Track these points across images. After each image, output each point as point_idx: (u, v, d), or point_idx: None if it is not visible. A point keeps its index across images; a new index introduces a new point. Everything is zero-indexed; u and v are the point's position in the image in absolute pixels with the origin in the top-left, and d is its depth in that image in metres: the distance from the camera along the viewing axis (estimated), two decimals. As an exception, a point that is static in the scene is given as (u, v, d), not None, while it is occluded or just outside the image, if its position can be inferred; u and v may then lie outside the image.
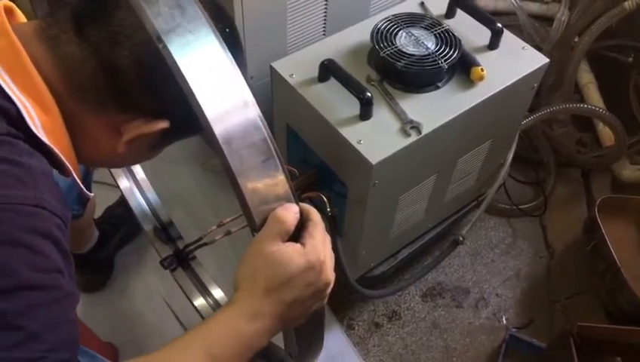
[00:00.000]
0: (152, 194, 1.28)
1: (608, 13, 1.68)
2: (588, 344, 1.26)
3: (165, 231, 1.25)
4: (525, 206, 1.78)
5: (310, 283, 0.60)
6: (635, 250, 1.51)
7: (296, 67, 1.17)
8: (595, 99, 1.98)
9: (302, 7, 1.31)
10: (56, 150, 0.63)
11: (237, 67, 0.57)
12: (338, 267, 1.21)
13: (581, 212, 1.82)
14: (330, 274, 0.62)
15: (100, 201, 1.57)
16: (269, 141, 0.57)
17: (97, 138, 0.71)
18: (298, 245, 0.59)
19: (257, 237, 0.58)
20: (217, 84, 0.56)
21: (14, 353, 0.48)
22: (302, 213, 0.61)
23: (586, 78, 2.02)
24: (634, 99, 2.04)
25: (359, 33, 1.25)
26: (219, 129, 0.54)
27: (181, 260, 1.16)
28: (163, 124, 0.70)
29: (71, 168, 0.66)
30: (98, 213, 1.57)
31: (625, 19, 1.75)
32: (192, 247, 1.18)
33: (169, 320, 1.50)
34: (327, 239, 0.63)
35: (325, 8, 1.36)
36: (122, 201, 1.56)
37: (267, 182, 0.57)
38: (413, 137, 1.07)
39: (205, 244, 1.17)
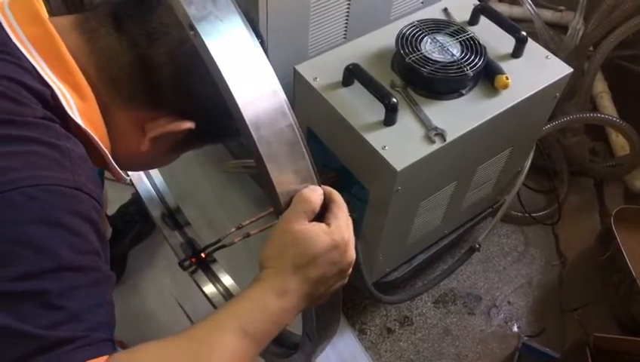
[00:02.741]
0: (159, 180, 1.28)
1: (627, 23, 1.68)
2: (603, 355, 1.25)
3: (173, 217, 1.24)
4: (538, 214, 1.78)
5: (335, 262, 0.61)
6: (649, 262, 1.51)
7: (320, 70, 1.16)
8: (608, 108, 1.98)
9: (325, 9, 1.30)
10: (92, 134, 0.64)
11: (265, 55, 0.58)
12: (356, 271, 1.21)
13: (593, 221, 1.82)
14: (353, 254, 0.63)
15: (114, 199, 1.56)
16: (295, 127, 0.59)
17: (124, 133, 0.71)
18: (323, 224, 0.61)
19: (284, 217, 0.60)
20: (246, 71, 0.57)
21: (57, 331, 0.49)
22: (325, 195, 0.63)
23: (600, 87, 2.02)
24: (647, 110, 2.04)
25: (382, 38, 1.24)
26: (248, 115, 0.56)
27: (200, 262, 1.15)
28: (188, 125, 0.71)
29: (107, 152, 0.67)
30: (112, 210, 1.56)
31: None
32: (211, 249, 1.17)
33: (180, 320, 1.49)
34: (350, 221, 0.64)
35: (347, 11, 1.35)
36: (135, 200, 1.56)
37: (293, 166, 0.60)
38: (438, 144, 1.07)
39: (224, 246, 1.17)
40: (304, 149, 0.60)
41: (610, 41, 1.69)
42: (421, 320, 1.59)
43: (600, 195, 1.87)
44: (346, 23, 1.38)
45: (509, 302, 1.65)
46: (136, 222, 1.57)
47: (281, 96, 0.59)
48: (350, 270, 0.65)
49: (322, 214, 0.62)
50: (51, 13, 1.35)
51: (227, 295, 1.14)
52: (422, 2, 1.50)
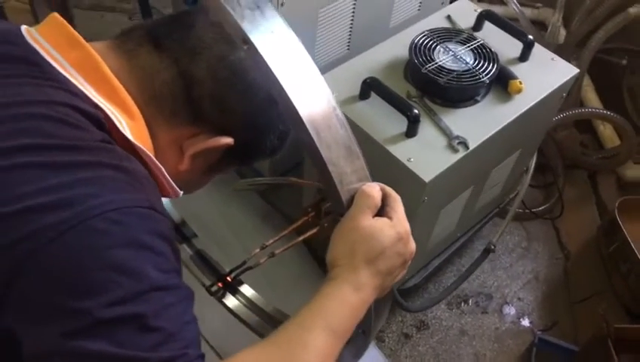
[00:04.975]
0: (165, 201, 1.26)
1: (613, 19, 1.73)
2: (624, 345, 1.29)
3: (179, 230, 1.23)
4: (538, 209, 1.81)
5: (400, 253, 0.63)
6: (654, 250, 1.56)
7: (336, 85, 1.16)
8: (593, 101, 2.03)
9: (331, 23, 1.30)
10: (148, 152, 0.64)
11: (313, 61, 0.60)
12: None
13: (591, 212, 1.87)
14: (414, 244, 0.66)
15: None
16: (348, 129, 0.62)
17: (164, 153, 0.71)
18: (386, 219, 0.63)
19: (349, 215, 0.62)
20: (301, 79, 0.59)
21: (159, 352, 0.50)
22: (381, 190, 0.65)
23: (584, 81, 2.07)
24: (628, 101, 2.11)
25: (391, 49, 1.25)
26: (308, 120, 0.58)
27: (228, 286, 1.14)
28: (228, 140, 0.71)
29: (161, 168, 0.67)
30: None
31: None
32: (237, 271, 1.15)
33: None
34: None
35: (351, 23, 1.36)
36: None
37: (351, 167, 0.62)
38: (461, 153, 1.08)
39: (250, 268, 1.15)
40: (358, 149, 0.63)
41: (599, 37, 1.73)
42: (437, 323, 1.60)
43: (595, 187, 1.92)
44: (350, 34, 1.38)
45: (519, 298, 1.68)
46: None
47: (332, 100, 0.61)
48: (411, 260, 0.67)
49: (381, 209, 0.64)
50: (35, 14, 1.31)
51: (262, 314, 1.13)
52: (419, 9, 1.52)
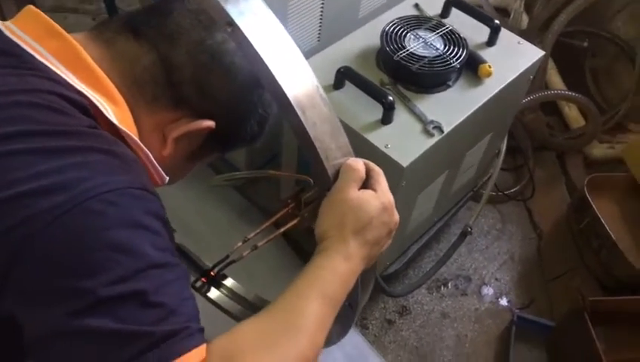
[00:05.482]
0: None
1: (574, 2, 1.78)
2: (599, 317, 1.33)
3: None
4: (510, 191, 1.85)
5: (386, 223, 0.66)
6: (622, 224, 1.61)
7: (310, 76, 1.17)
8: (558, 83, 2.08)
9: (300, 13, 1.30)
10: (134, 137, 0.65)
11: (295, 43, 0.62)
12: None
13: (561, 192, 1.92)
14: (397, 215, 0.69)
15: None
16: (331, 108, 0.64)
17: (148, 139, 0.71)
18: (371, 191, 0.65)
19: (336, 187, 0.64)
20: (285, 60, 0.61)
21: (162, 326, 0.51)
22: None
23: (548, 64, 2.12)
24: (590, 82, 2.17)
25: (362, 38, 1.27)
26: (294, 100, 0.60)
27: (212, 281, 1.14)
28: (209, 123, 0.72)
29: (148, 153, 0.67)
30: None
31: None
32: (221, 266, 1.16)
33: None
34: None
35: (321, 13, 1.36)
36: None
37: (336, 143, 0.65)
38: (437, 137, 1.10)
39: (234, 262, 1.15)
40: (340, 126, 0.66)
41: (562, 20, 1.78)
42: (418, 307, 1.63)
43: (563, 167, 1.98)
44: (320, 26, 1.39)
45: (496, 279, 1.72)
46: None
47: (315, 79, 0.63)
48: (395, 230, 0.70)
49: (366, 182, 0.66)
50: (1, 11, 1.27)
51: (247, 305, 1.14)
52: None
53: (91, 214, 0.51)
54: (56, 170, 0.53)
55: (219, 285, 1.17)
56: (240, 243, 1.15)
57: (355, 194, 0.64)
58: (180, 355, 0.50)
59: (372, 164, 0.68)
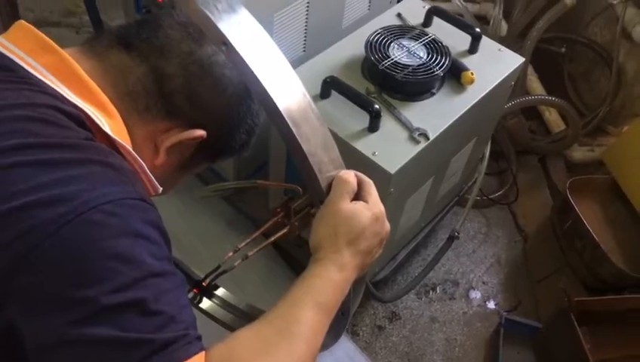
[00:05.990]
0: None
1: (552, 9, 1.82)
2: (584, 317, 1.36)
3: None
4: (495, 195, 1.88)
5: (377, 233, 0.68)
6: (604, 225, 1.65)
7: (297, 86, 1.19)
8: (538, 89, 2.12)
9: (286, 24, 1.32)
10: (129, 148, 0.66)
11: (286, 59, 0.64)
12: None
13: (544, 195, 1.96)
14: (388, 224, 0.70)
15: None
16: (323, 122, 0.66)
17: (141, 149, 0.72)
18: (363, 202, 0.67)
19: (330, 200, 0.67)
20: (278, 77, 0.62)
21: (162, 334, 0.52)
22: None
23: (527, 70, 2.17)
24: (569, 86, 2.22)
25: (346, 48, 1.29)
26: (288, 116, 0.62)
27: (204, 291, 1.14)
28: (200, 132, 0.73)
29: (143, 164, 0.68)
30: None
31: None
32: (212, 276, 1.16)
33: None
34: None
35: (306, 24, 1.38)
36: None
37: (328, 156, 0.67)
38: (422, 144, 1.12)
39: (225, 272, 1.16)
40: (332, 140, 0.68)
41: (540, 27, 1.82)
42: (408, 312, 1.64)
43: (545, 170, 2.01)
44: (305, 36, 1.41)
45: (483, 282, 1.74)
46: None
47: (307, 94, 0.65)
48: (386, 239, 0.72)
49: (357, 193, 0.68)
50: None
51: (240, 314, 1.14)
52: (368, 9, 1.56)
53: (92, 225, 0.52)
54: (56, 181, 0.53)
55: (211, 295, 1.17)
56: (231, 254, 1.16)
57: (348, 205, 0.66)
58: None
59: (363, 176, 0.70)
